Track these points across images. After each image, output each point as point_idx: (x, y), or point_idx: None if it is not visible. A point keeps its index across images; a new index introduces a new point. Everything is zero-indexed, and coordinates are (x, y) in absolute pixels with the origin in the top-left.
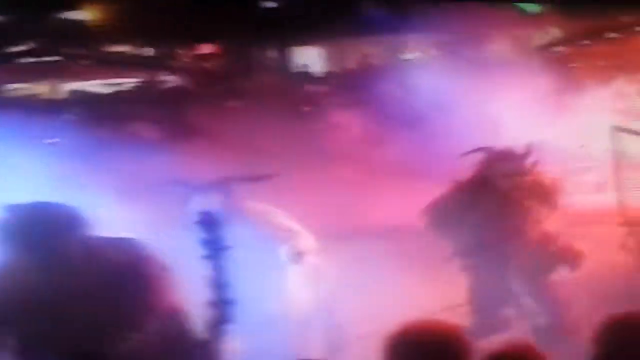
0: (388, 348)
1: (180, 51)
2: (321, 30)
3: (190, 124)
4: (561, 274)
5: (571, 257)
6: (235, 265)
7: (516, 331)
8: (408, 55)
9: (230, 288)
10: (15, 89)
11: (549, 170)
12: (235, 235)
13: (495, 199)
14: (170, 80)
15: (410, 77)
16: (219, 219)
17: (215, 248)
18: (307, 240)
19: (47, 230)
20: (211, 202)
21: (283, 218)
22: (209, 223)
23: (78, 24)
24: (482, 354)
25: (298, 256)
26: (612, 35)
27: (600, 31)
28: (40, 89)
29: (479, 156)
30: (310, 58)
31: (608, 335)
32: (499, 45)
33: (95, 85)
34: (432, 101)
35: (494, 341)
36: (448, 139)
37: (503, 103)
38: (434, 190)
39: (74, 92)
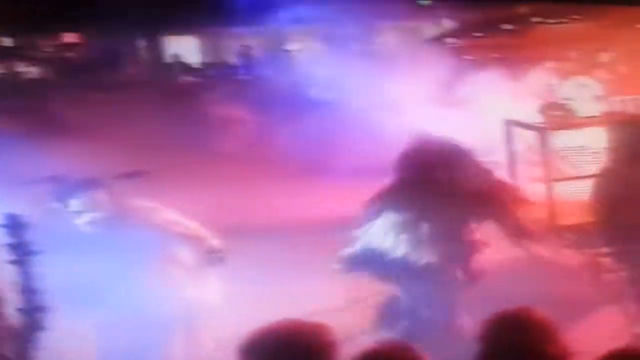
0: (244, 350)
1: (41, 41)
2: (195, 19)
3: (53, 117)
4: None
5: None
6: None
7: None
8: (293, 47)
9: (40, 295)
10: None
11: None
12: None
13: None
14: (32, 71)
15: (296, 70)
16: (25, 223)
17: (21, 253)
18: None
19: None
20: (18, 204)
21: (171, 216)
22: (14, 227)
23: None
24: (354, 354)
25: (197, 255)
26: (508, 27)
27: (494, 23)
28: None
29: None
30: (184, 48)
31: (494, 332)
32: (389, 37)
33: None
34: (320, 94)
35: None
36: (337, 133)
37: (393, 96)
38: (320, 185)
39: None
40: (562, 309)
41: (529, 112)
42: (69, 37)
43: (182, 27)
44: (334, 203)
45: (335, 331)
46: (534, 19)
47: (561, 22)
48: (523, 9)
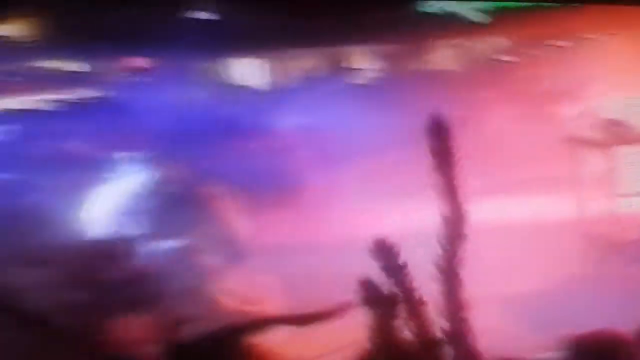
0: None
1: (111, 66)
2: (261, 41)
3: None
4: None
5: None
6: None
7: None
8: (352, 66)
9: None
10: None
11: None
12: None
13: None
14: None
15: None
16: None
17: None
18: None
19: None
20: None
21: None
22: None
23: (7, 40)
24: None
25: None
26: (560, 43)
27: (546, 39)
28: None
29: None
30: (248, 71)
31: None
32: (442, 55)
33: (27, 102)
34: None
35: None
36: None
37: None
38: None
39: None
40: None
41: (590, 127)
42: (138, 62)
43: (246, 49)
44: None
45: None
46: (587, 35)
47: (612, 35)
48: (574, 24)
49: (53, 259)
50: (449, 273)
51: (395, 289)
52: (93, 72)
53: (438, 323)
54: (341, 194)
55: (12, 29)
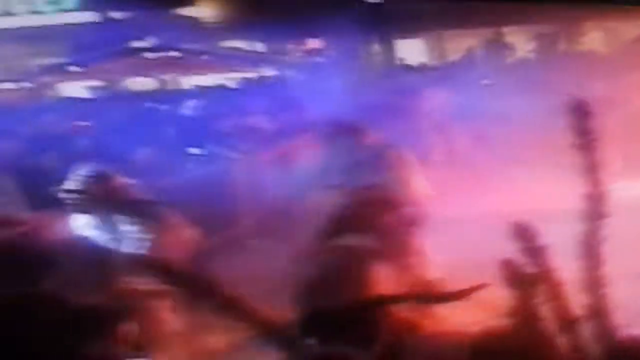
0: None
1: (290, 46)
2: (425, 22)
3: None
4: None
5: None
6: None
7: None
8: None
9: None
10: (137, 83)
11: None
12: None
13: None
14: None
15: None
16: None
17: None
18: None
19: None
20: None
21: None
22: None
23: (196, 21)
24: None
25: None
26: None
27: None
28: (160, 82)
29: None
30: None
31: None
32: (592, 38)
33: (213, 80)
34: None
35: None
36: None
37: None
38: None
39: (193, 86)
40: None
41: None
42: (313, 43)
43: (413, 30)
44: None
45: None
46: None
47: None
48: None
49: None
50: (590, 251)
51: (535, 269)
52: (272, 53)
53: (577, 302)
54: (492, 169)
55: (199, 11)
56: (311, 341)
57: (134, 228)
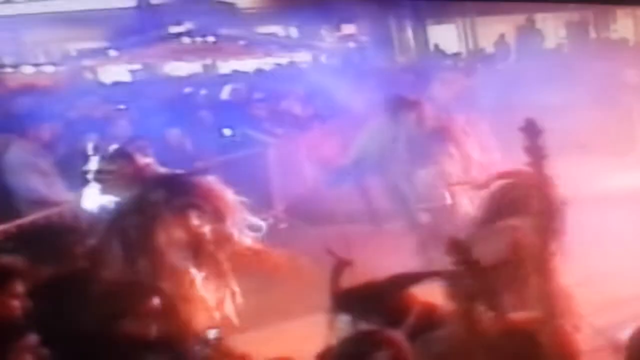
0: None
1: (325, 32)
2: (457, 8)
3: None
4: None
5: None
6: None
7: None
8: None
9: None
10: (175, 67)
11: None
12: None
13: None
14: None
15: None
16: None
17: None
18: None
19: None
20: None
21: None
22: None
23: (233, 7)
24: None
25: None
26: None
27: None
28: (197, 67)
29: None
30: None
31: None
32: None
33: (250, 64)
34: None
35: None
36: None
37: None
38: None
39: (230, 71)
40: None
41: None
42: (347, 29)
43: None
44: None
45: None
46: None
47: None
48: None
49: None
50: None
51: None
52: (307, 38)
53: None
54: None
55: None
56: (345, 318)
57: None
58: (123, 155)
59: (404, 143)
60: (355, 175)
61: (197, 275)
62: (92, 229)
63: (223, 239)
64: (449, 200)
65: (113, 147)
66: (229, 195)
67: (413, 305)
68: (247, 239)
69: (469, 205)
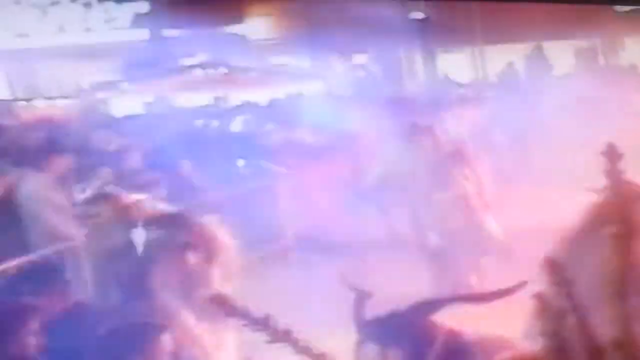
0: None
1: (335, 61)
2: (467, 37)
3: None
4: None
5: None
6: None
7: None
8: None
9: None
10: (188, 99)
11: None
12: None
13: None
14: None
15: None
16: None
17: None
18: None
19: None
20: None
21: None
22: None
23: (243, 38)
24: None
25: None
26: None
27: None
28: (208, 99)
29: None
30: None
31: None
32: (632, 52)
33: (261, 95)
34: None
35: None
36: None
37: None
38: None
39: (242, 102)
40: None
41: None
42: (358, 58)
43: (452, 45)
44: None
45: None
46: None
47: None
48: None
49: None
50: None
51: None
52: (318, 68)
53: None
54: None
55: (247, 29)
56: (372, 348)
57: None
58: (105, 196)
59: (423, 167)
60: (375, 199)
61: (190, 317)
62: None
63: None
64: (468, 222)
65: (94, 189)
66: (224, 236)
67: (439, 332)
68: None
69: (489, 226)
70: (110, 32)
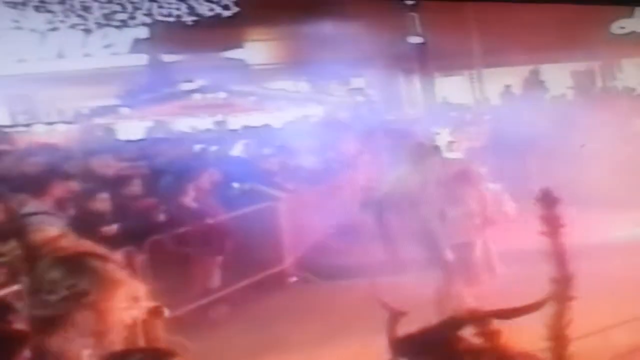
0: None
1: (334, 85)
2: (465, 61)
3: None
4: None
5: None
6: None
7: None
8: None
9: None
10: (187, 124)
11: None
12: None
13: None
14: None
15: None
16: None
17: None
18: None
19: None
20: None
21: None
22: None
23: (242, 63)
24: None
25: None
26: None
27: None
28: (208, 123)
29: None
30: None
31: None
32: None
33: (260, 120)
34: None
35: None
36: None
37: None
38: None
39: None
40: None
41: None
42: (356, 83)
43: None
44: None
45: None
46: None
47: None
48: None
49: None
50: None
51: None
52: (317, 92)
53: None
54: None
55: (246, 54)
56: None
57: None
58: (16, 234)
59: (433, 185)
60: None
61: None
62: None
63: None
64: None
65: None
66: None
67: (468, 348)
68: None
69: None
70: (110, 57)
